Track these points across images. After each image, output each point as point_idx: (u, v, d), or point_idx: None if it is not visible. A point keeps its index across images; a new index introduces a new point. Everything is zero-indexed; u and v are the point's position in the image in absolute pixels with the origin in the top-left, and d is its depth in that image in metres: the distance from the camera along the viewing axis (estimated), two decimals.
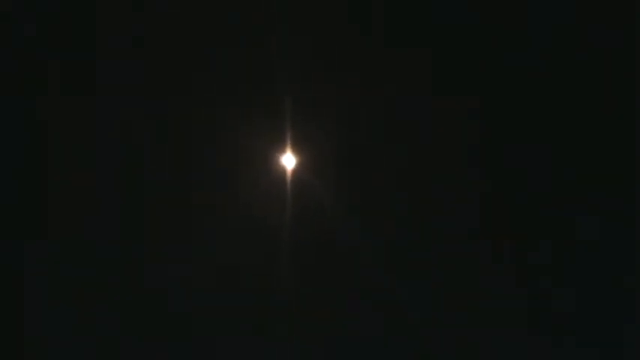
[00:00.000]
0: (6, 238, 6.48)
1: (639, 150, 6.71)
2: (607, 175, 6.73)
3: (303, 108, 6.53)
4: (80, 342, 6.40)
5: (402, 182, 6.56)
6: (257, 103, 6.53)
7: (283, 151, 6.55)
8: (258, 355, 6.51)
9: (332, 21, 6.55)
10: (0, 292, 6.46)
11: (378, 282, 6.50)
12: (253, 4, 6.48)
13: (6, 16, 6.42)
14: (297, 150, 6.55)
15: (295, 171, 6.56)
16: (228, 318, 6.48)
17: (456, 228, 6.63)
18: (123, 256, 6.51)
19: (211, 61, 6.57)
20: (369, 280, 6.51)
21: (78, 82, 6.54)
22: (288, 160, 6.56)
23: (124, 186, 6.54)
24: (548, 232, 6.75)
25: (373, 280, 6.51)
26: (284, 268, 6.50)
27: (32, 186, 6.54)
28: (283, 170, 6.56)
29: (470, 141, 6.62)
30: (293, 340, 6.47)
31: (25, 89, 6.49)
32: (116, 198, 6.53)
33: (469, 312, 6.55)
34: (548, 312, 6.69)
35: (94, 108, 6.51)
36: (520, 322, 6.66)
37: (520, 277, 6.71)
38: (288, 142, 6.53)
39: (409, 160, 6.58)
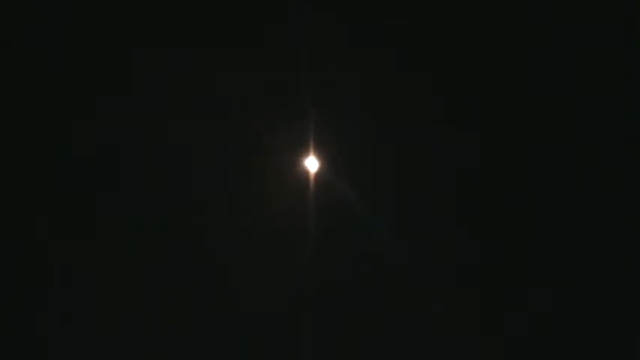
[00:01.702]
0: None
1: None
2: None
3: (325, 111, 6.55)
4: None
5: (425, 184, 6.63)
6: (280, 106, 6.52)
7: (306, 154, 6.54)
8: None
9: (353, 26, 6.59)
10: None
11: (405, 282, 6.56)
12: (279, 11, 6.49)
13: None
14: (319, 153, 6.55)
15: (318, 174, 6.56)
16: (250, 319, 6.45)
17: (473, 230, 6.74)
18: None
19: (230, 64, 6.53)
20: (396, 280, 6.56)
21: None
22: (311, 163, 6.56)
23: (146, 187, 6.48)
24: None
25: (399, 280, 6.56)
26: (308, 270, 6.49)
27: None
28: (306, 173, 6.55)
29: (492, 144, 6.74)
30: (318, 341, 6.47)
31: None
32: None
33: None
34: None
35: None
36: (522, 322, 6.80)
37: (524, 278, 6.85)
38: (311, 145, 6.53)
39: (432, 162, 6.65)
